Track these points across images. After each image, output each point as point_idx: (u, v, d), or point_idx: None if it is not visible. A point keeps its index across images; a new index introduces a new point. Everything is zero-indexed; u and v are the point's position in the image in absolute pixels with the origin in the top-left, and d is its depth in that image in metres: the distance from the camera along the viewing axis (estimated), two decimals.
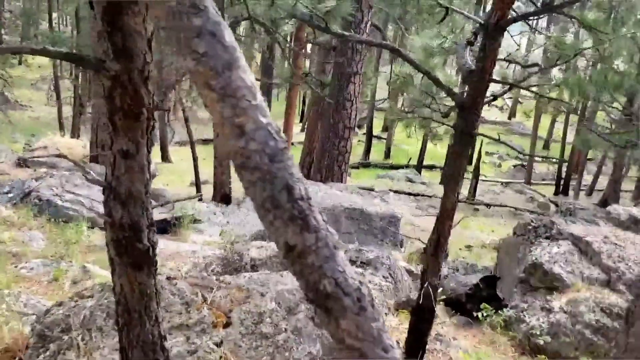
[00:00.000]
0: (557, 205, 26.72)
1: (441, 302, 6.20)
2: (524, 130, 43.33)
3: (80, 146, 15.66)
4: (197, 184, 17.40)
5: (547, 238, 6.27)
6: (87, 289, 3.99)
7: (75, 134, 22.44)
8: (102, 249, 6.76)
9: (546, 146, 39.07)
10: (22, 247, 6.51)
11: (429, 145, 32.80)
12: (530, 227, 6.69)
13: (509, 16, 3.62)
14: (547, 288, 5.73)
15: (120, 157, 2.47)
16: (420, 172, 30.01)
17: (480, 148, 25.89)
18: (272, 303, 3.73)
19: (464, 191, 26.64)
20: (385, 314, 5.73)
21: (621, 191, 29.76)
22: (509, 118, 45.40)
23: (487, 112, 37.03)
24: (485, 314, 5.35)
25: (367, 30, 15.01)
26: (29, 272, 5.82)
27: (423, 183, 26.64)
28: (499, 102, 42.25)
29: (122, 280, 2.64)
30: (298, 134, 31.41)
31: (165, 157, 27.38)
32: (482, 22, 3.70)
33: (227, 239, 7.62)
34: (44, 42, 23.59)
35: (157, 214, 8.50)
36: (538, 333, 5.22)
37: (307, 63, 26.28)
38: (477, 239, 16.61)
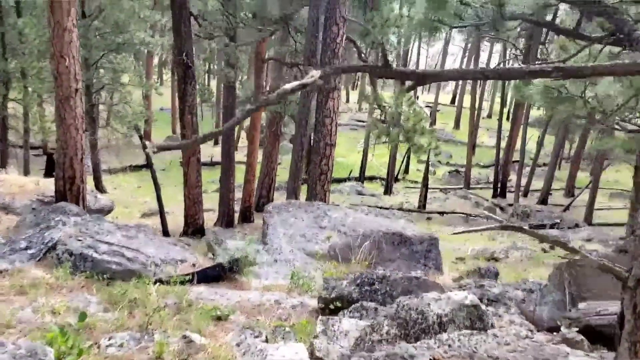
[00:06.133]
0: (501, 208, 27.44)
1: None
2: (447, 136, 44.63)
3: (32, 183, 13.91)
4: (162, 216, 15.98)
5: None
6: None
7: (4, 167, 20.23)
8: (176, 311, 5.73)
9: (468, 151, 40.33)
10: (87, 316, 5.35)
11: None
12: None
13: None
14: None
15: None
16: (363, 184, 29.87)
17: (428, 157, 26.14)
18: None
19: (414, 201, 26.76)
20: None
21: (553, 189, 31.18)
22: (431, 125, 46.53)
23: None
24: None
25: (342, 44, 14.49)
26: (120, 350, 4.72)
27: (372, 195, 26.47)
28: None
29: None
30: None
31: (99, 187, 25.30)
32: None
33: (298, 283, 6.75)
34: None
35: (205, 260, 7.48)
36: None
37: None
38: (457, 250, 16.45)
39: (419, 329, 4.18)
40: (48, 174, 23.53)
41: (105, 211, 16.12)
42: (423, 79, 1.95)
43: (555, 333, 5.92)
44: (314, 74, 1.74)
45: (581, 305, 6.15)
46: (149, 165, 16.31)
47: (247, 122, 28.65)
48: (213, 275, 6.91)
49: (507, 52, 36.01)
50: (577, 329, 5.60)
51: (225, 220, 17.57)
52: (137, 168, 30.26)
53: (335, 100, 14.59)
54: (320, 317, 5.08)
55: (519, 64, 30.82)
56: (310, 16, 15.27)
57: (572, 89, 5.01)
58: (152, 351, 4.68)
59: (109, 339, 4.84)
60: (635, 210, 13.43)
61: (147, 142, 4.05)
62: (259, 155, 21.04)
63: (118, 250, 6.69)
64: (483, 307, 4.34)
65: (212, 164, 31.19)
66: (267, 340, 4.82)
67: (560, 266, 8.38)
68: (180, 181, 27.75)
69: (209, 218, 18.80)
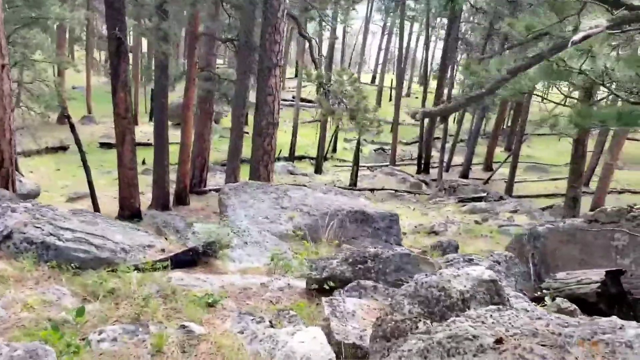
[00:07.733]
0: (426, 183, 28.16)
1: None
2: None
3: None
4: (94, 199, 15.16)
5: None
6: None
7: None
8: (162, 299, 5.39)
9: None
10: (64, 310, 4.92)
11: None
12: (629, 216, 6.53)
13: None
14: None
15: None
16: (293, 163, 29.75)
17: (359, 137, 26.33)
18: None
19: (344, 179, 26.95)
20: None
21: (473, 164, 32.37)
22: None
23: None
24: None
25: (284, 20, 14.17)
26: (114, 344, 4.35)
27: (304, 174, 26.41)
28: None
29: None
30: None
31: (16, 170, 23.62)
32: None
33: (278, 265, 6.54)
34: None
35: (173, 244, 7.11)
36: None
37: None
38: None
39: (443, 306, 4.12)
40: None
41: (31, 196, 15.16)
42: None
43: (534, 304, 6.08)
44: (601, 22, 1.58)
45: (560, 274, 6.34)
46: (78, 147, 15.34)
47: (176, 100, 27.66)
48: (186, 260, 6.58)
49: (430, 31, 36.75)
50: (562, 298, 5.76)
51: (161, 202, 16.89)
52: (53, 150, 28.56)
53: (278, 77, 14.29)
54: (324, 298, 4.93)
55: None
56: None
57: (570, 63, 5.11)
58: (150, 344, 4.36)
59: (99, 334, 4.46)
60: (575, 182, 14.10)
61: (415, 110, 3.65)
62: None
63: (83, 237, 6.21)
64: (501, 282, 4.34)
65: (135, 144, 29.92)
66: (272, 326, 4.62)
67: (520, 238, 8.63)
68: (100, 164, 26.59)
69: (141, 201, 18.05)
